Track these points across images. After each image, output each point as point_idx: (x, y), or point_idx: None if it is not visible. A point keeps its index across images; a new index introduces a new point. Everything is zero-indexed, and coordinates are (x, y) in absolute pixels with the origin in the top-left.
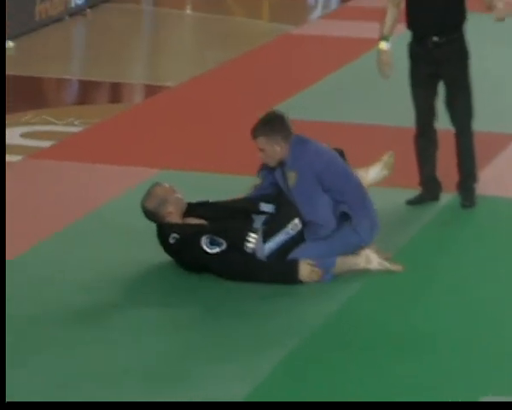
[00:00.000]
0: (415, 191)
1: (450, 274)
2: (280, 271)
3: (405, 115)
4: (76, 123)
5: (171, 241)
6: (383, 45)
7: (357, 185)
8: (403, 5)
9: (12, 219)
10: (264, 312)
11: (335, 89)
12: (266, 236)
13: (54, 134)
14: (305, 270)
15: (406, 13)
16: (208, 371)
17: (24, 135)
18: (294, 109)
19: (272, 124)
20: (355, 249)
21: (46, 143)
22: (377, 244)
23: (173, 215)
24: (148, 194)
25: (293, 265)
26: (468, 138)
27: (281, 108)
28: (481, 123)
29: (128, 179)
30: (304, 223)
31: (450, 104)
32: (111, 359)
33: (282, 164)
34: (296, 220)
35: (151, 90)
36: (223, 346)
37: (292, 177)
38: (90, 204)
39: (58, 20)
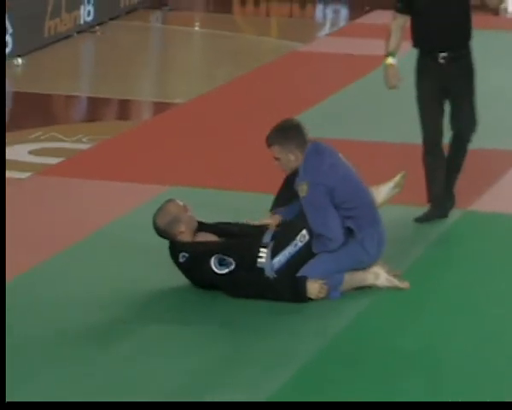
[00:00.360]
0: (423, 208)
1: (458, 292)
2: (288, 290)
3: (412, 132)
4: (84, 140)
5: (181, 260)
6: (390, 60)
7: (369, 202)
8: (408, 24)
9: (20, 236)
10: (272, 329)
11: (343, 106)
12: (275, 250)
13: (62, 151)
14: (314, 288)
15: (412, 30)
16: (215, 388)
17: (32, 152)
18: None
19: (287, 132)
20: (362, 266)
21: (55, 160)
22: (386, 261)
23: (184, 234)
24: (161, 210)
25: (302, 283)
26: (465, 153)
27: None
28: (488, 140)
29: (137, 196)
30: (311, 234)
31: (455, 118)
32: (120, 376)
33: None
34: (304, 232)
35: (160, 107)
36: (230, 363)
37: (303, 188)
38: (99, 221)
39: (67, 36)
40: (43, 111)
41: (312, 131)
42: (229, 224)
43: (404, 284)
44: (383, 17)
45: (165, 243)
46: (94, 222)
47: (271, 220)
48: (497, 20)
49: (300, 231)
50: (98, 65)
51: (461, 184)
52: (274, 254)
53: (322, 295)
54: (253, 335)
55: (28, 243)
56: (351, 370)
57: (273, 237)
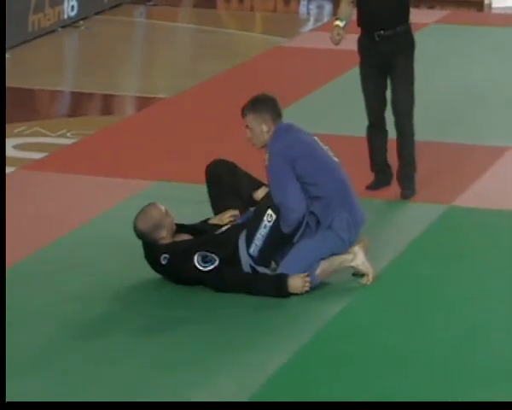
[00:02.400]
0: (405, 204)
1: (442, 287)
2: (271, 286)
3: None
4: (68, 135)
5: (163, 262)
6: (337, 22)
7: (339, 184)
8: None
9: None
10: (256, 324)
11: (328, 101)
12: (248, 239)
13: (46, 146)
14: (297, 283)
15: (357, 10)
16: (198, 382)
17: (16, 147)
18: (287, 121)
19: (263, 103)
20: (339, 252)
21: (38, 155)
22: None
23: (165, 239)
24: (143, 215)
25: (283, 280)
26: (409, 126)
27: None
28: (471, 136)
29: (121, 191)
30: (278, 213)
31: (392, 96)
32: (109, 370)
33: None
34: (269, 211)
35: (144, 102)
36: (214, 358)
37: (267, 157)
38: (82, 216)
39: (51, 31)
40: (27, 106)
41: (297, 125)
42: (206, 222)
43: (372, 277)
44: None
45: None
46: (78, 217)
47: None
48: (481, 16)
49: (266, 211)
50: (82, 60)
51: (444, 180)
52: (248, 242)
53: (306, 289)
54: (236, 331)
55: (12, 238)
56: (334, 366)
57: (243, 226)
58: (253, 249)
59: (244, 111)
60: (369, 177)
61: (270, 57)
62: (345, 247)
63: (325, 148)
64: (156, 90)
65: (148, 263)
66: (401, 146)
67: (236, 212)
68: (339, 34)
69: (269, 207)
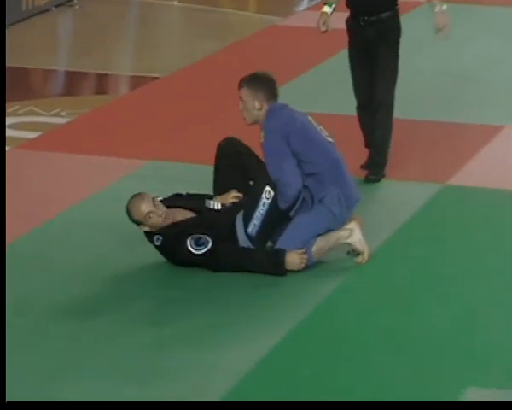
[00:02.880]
0: (402, 183)
1: (437, 267)
2: (268, 263)
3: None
4: (63, 114)
5: (157, 243)
6: (325, 8)
7: (332, 161)
8: None
9: None
10: (250, 303)
11: (322, 80)
12: (246, 217)
13: (40, 125)
14: (294, 259)
15: None
16: (192, 362)
17: (10, 126)
18: (281, 100)
19: (260, 80)
20: (334, 227)
21: (33, 134)
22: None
23: (157, 225)
24: (132, 205)
25: (281, 256)
26: (387, 113)
27: None
28: (467, 115)
29: (115, 170)
30: (275, 188)
31: (374, 81)
32: (102, 351)
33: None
34: (267, 188)
35: (138, 82)
36: (210, 336)
37: (262, 135)
38: (77, 195)
39: (45, 10)
40: (21, 85)
41: (291, 105)
42: (206, 197)
43: (366, 256)
44: None
45: None
46: (72, 196)
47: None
48: None
49: (264, 188)
50: (76, 39)
51: (439, 158)
52: (246, 221)
53: (303, 266)
54: (231, 309)
55: (6, 218)
56: (329, 344)
57: (240, 206)
58: (251, 229)
59: (241, 83)
60: (363, 156)
61: (264, 36)
62: (337, 222)
63: (319, 128)
64: (150, 69)
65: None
66: (375, 132)
67: (240, 194)
68: (324, 24)
69: (266, 183)
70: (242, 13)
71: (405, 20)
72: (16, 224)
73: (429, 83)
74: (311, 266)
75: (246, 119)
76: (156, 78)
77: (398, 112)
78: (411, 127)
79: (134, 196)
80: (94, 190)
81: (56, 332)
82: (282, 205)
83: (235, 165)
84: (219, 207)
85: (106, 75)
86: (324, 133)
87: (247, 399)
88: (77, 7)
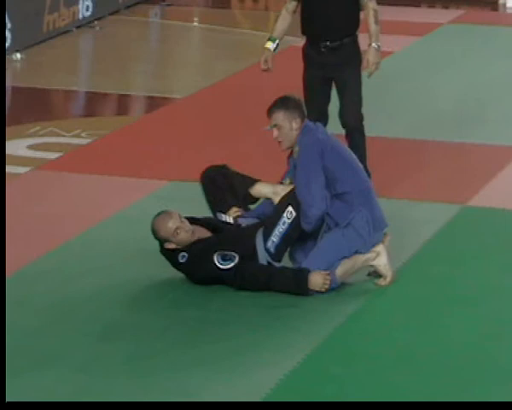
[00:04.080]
0: (420, 203)
1: (457, 287)
2: (292, 282)
3: (395, 126)
4: (83, 135)
5: (181, 260)
6: (268, 44)
7: (362, 179)
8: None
9: (19, 230)
10: (270, 323)
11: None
12: (266, 235)
13: (61, 146)
14: (318, 280)
15: (301, 18)
16: (209, 383)
17: (31, 147)
18: None
19: (291, 101)
20: (361, 247)
21: (53, 155)
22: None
23: (184, 242)
24: (157, 222)
25: (304, 276)
26: (362, 135)
27: None
28: (487, 136)
29: (137, 191)
30: (298, 210)
31: (341, 106)
32: (123, 369)
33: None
34: (290, 208)
35: (158, 102)
36: (229, 357)
37: (296, 150)
38: (98, 216)
39: (66, 31)
40: (42, 106)
41: None
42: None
43: (390, 280)
44: (385, 13)
45: None
46: (92, 216)
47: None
48: (495, 16)
49: (286, 207)
50: (97, 60)
51: (459, 179)
52: (265, 237)
53: (326, 287)
54: (250, 330)
55: (27, 238)
56: (349, 366)
57: (261, 223)
58: (270, 245)
59: (273, 109)
60: (376, 176)
61: (284, 57)
62: (365, 245)
63: (347, 148)
64: (171, 90)
65: (164, 258)
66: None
67: (240, 209)
68: (266, 62)
69: (289, 204)
70: (262, 33)
71: (423, 43)
72: (37, 244)
73: (449, 104)
74: (334, 288)
75: (282, 144)
76: (176, 98)
77: (418, 133)
78: (431, 148)
79: (160, 213)
80: (114, 211)
81: (72, 353)
82: (305, 226)
83: (223, 187)
84: (231, 220)
85: (126, 96)
86: (354, 156)
87: None
88: (97, 28)
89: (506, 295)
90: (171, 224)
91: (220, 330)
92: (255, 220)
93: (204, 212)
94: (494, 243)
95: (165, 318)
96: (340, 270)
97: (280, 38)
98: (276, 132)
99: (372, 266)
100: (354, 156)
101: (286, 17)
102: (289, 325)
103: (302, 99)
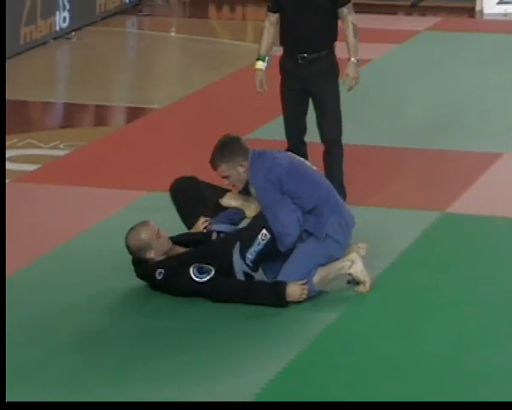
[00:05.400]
0: (396, 211)
1: (436, 294)
2: (269, 294)
3: (372, 134)
4: (61, 146)
5: (159, 277)
6: (259, 65)
7: (322, 187)
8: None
9: None
10: (250, 333)
11: None
12: (242, 253)
13: (39, 158)
14: (295, 291)
15: (280, 29)
16: (189, 392)
17: (9, 159)
18: (281, 129)
19: (229, 147)
20: (336, 257)
21: (31, 167)
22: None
23: (154, 258)
24: (133, 233)
25: (282, 288)
26: (338, 153)
27: (268, 128)
28: (465, 143)
29: (115, 202)
30: (271, 232)
31: (319, 119)
32: (103, 379)
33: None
34: (264, 231)
35: (137, 113)
36: (209, 366)
37: (253, 192)
38: (76, 227)
39: (43, 43)
40: (20, 118)
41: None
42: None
43: (368, 287)
44: (362, 21)
45: None
46: (71, 228)
47: (199, 227)
48: (473, 23)
49: (261, 230)
50: (74, 71)
51: (437, 186)
52: (242, 254)
53: (304, 297)
54: (230, 340)
55: (6, 250)
56: (330, 373)
57: (237, 238)
58: (247, 261)
59: (215, 163)
60: (356, 185)
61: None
62: (341, 249)
63: (301, 160)
64: (149, 100)
65: (139, 278)
66: (330, 172)
67: (208, 218)
68: (261, 84)
69: (263, 226)
70: (240, 43)
71: (401, 50)
72: (16, 257)
73: (427, 111)
74: (313, 296)
75: (236, 188)
76: (155, 109)
77: (396, 141)
78: (410, 156)
79: (132, 227)
80: (93, 222)
81: (53, 365)
82: (282, 248)
83: (193, 198)
84: (213, 238)
85: (104, 107)
86: (308, 163)
87: None
88: (74, 39)
89: (485, 301)
90: (152, 226)
91: (198, 340)
92: (227, 226)
93: (181, 223)
94: (473, 250)
95: (143, 328)
96: (316, 277)
97: (269, 55)
98: (225, 181)
99: (349, 274)
100: (311, 166)
101: (270, 30)
102: (270, 334)
103: (239, 137)
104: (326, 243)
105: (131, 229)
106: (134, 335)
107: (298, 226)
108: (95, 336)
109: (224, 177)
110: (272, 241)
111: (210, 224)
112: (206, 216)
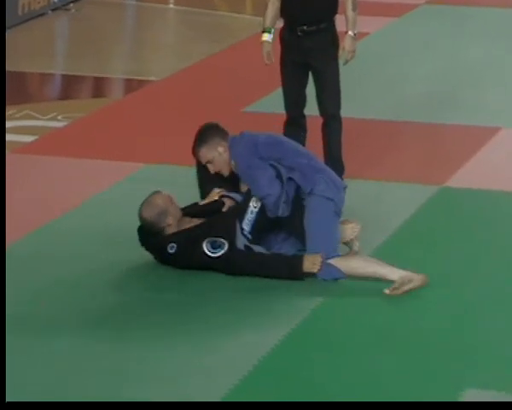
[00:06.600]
0: (394, 184)
1: (433, 268)
2: (284, 266)
3: (371, 108)
4: (59, 118)
5: (170, 250)
6: (265, 37)
7: (303, 152)
8: None
9: None
10: (245, 307)
11: None
12: (239, 220)
13: (37, 129)
14: (310, 262)
15: (281, 1)
16: (191, 364)
17: (7, 130)
18: (279, 102)
19: (207, 133)
20: (336, 209)
21: (29, 138)
22: (359, 238)
23: (172, 227)
24: (148, 203)
25: (298, 260)
26: (337, 127)
27: (268, 100)
28: (463, 117)
29: (113, 174)
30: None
31: (319, 93)
32: (100, 356)
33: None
34: (254, 198)
35: (135, 85)
36: (207, 339)
37: (234, 165)
38: (73, 199)
39: (41, 14)
40: (18, 89)
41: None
42: (196, 205)
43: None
44: None
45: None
46: (69, 200)
47: (213, 197)
48: None
49: (251, 198)
50: (73, 43)
51: (436, 160)
52: (240, 226)
53: (317, 267)
54: (228, 313)
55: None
56: (324, 347)
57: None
58: (244, 232)
59: (195, 150)
60: (354, 158)
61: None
62: (336, 203)
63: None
64: (147, 72)
65: (149, 252)
66: (329, 146)
67: (222, 190)
68: (268, 56)
69: (253, 195)
70: (238, 16)
71: (399, 24)
72: (11, 228)
73: (425, 85)
74: (337, 277)
75: (223, 172)
76: (153, 81)
77: (394, 115)
78: (408, 129)
79: (145, 199)
80: (90, 194)
81: (51, 339)
82: (270, 214)
83: (216, 176)
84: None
85: (102, 79)
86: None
87: (245, 401)
88: (73, 10)
89: (483, 275)
90: (164, 193)
91: (195, 313)
92: (237, 195)
93: (180, 195)
94: (471, 224)
95: (139, 300)
96: (341, 262)
97: (274, 26)
98: (211, 167)
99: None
100: (294, 142)
101: (274, 2)
102: (266, 307)
103: (216, 123)
104: (319, 205)
105: (144, 202)
106: (129, 308)
107: (276, 185)
108: (88, 310)
109: (207, 162)
110: (263, 208)
111: (224, 194)
112: (220, 187)
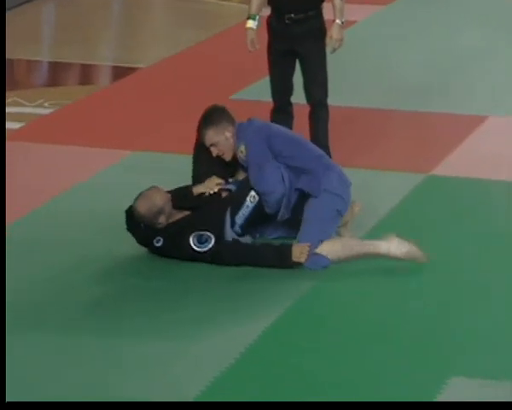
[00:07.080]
0: (387, 172)
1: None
2: (273, 255)
3: (358, 96)
4: (46, 105)
5: (157, 244)
6: (250, 23)
7: (312, 149)
8: None
9: None
10: (231, 295)
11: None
12: (232, 213)
13: (24, 116)
14: (297, 251)
15: None
16: (176, 351)
17: None
18: (266, 90)
19: (214, 115)
20: (343, 213)
21: (16, 125)
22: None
23: (162, 224)
24: (146, 199)
25: (287, 249)
26: (324, 115)
27: (255, 88)
28: (451, 105)
29: (99, 161)
30: (260, 195)
31: (306, 81)
32: (86, 344)
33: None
34: (252, 192)
35: (122, 72)
36: (192, 327)
37: (242, 150)
38: (60, 186)
39: (28, 0)
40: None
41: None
42: (187, 189)
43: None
44: None
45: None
46: (56, 187)
47: (211, 187)
48: None
49: (249, 192)
50: (60, 29)
51: (423, 148)
52: (232, 218)
53: (304, 257)
54: (214, 300)
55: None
56: (311, 335)
57: (229, 202)
58: (235, 227)
59: (202, 132)
60: (341, 147)
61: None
62: (345, 203)
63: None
64: (135, 59)
65: (140, 244)
66: (316, 133)
67: (222, 181)
68: (252, 43)
69: (252, 188)
70: (226, 3)
71: (388, 11)
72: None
73: (413, 73)
74: (322, 266)
75: (225, 156)
76: (141, 68)
77: (382, 103)
78: (395, 117)
79: (143, 192)
80: (78, 181)
81: (41, 327)
82: (268, 210)
83: (216, 159)
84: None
85: (90, 65)
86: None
87: (232, 389)
88: None
89: (468, 263)
90: (163, 191)
91: (183, 302)
92: (233, 185)
93: (167, 182)
94: (458, 212)
95: (126, 288)
96: (326, 247)
97: (259, 13)
98: (215, 150)
99: (388, 256)
100: (297, 135)
101: None
102: (254, 294)
103: (224, 106)
104: (328, 199)
105: (142, 195)
106: (116, 294)
107: (282, 184)
108: (76, 298)
109: (211, 145)
110: (260, 204)
111: (223, 186)
112: (219, 177)
